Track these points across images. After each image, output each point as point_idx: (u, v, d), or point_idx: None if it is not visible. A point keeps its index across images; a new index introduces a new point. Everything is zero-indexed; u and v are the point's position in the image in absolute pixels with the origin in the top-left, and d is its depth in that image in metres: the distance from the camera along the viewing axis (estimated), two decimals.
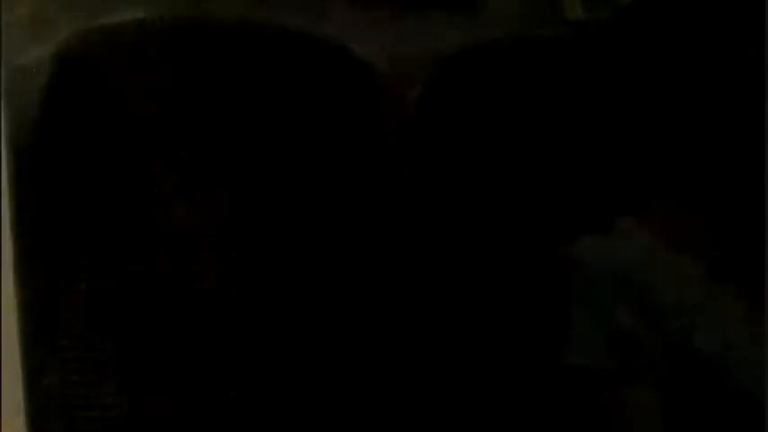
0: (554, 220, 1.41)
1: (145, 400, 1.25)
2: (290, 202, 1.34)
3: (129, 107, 1.29)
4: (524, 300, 1.39)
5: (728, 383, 1.20)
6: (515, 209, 1.42)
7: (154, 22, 1.38)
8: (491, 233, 1.42)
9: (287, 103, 1.35)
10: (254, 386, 1.29)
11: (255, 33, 1.38)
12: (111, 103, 1.29)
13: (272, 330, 1.31)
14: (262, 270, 1.30)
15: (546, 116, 1.44)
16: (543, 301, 1.35)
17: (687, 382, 1.22)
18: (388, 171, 1.38)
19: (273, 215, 1.33)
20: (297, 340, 1.32)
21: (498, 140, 1.43)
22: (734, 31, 1.28)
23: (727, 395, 1.20)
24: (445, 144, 1.42)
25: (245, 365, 1.28)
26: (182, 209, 1.28)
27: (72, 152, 1.28)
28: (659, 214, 1.32)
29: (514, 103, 1.44)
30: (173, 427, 1.25)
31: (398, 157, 1.39)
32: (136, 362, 1.25)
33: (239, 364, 1.28)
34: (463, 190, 1.42)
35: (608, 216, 1.33)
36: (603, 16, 1.51)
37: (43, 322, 1.23)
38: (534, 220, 1.42)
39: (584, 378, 1.27)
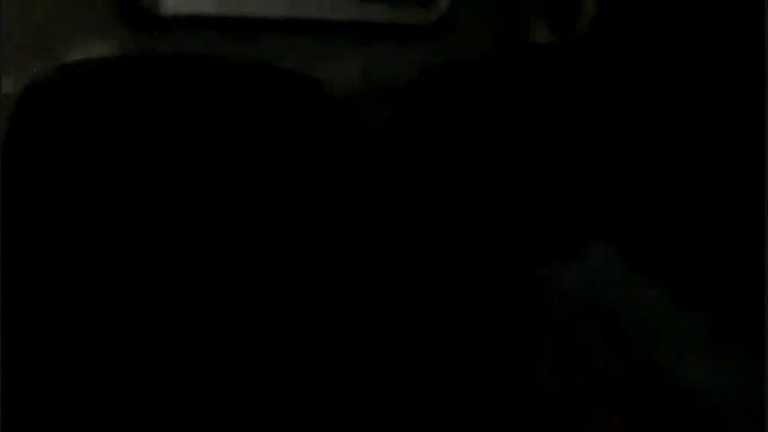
0: (523, 244, 1.41)
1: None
2: (255, 228, 1.35)
3: (95, 142, 1.30)
4: (494, 323, 1.39)
5: (695, 408, 1.21)
6: (484, 232, 1.43)
7: (120, 59, 1.40)
8: (460, 256, 1.42)
9: (253, 133, 1.36)
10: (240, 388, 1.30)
11: (221, 67, 1.40)
12: (76, 139, 1.30)
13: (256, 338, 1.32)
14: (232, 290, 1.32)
15: (512, 138, 1.45)
16: (513, 325, 1.36)
17: (653, 405, 1.22)
18: (354, 195, 1.39)
19: (242, 238, 1.33)
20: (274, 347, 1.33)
21: (465, 163, 1.44)
22: (689, 53, 1.29)
23: (694, 418, 1.21)
24: (411, 168, 1.43)
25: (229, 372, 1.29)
26: (146, 238, 1.28)
27: (39, 184, 1.29)
28: (627, 240, 1.32)
29: (481, 125, 1.44)
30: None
31: (365, 180, 1.40)
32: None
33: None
34: (430, 214, 1.43)
35: (576, 241, 1.33)
36: (568, 39, 1.52)
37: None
38: (503, 244, 1.42)
39: (553, 401, 1.28)
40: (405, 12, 1.51)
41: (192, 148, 1.33)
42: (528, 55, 1.55)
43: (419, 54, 1.51)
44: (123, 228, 1.28)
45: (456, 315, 1.41)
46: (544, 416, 1.26)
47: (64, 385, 1.22)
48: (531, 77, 1.47)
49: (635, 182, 1.32)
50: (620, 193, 1.33)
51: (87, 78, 1.33)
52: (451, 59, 1.49)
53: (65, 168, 1.29)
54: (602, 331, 1.24)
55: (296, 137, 1.38)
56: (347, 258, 1.38)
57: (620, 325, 1.24)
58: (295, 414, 1.30)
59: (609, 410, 1.24)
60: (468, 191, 1.43)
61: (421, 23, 1.52)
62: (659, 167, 1.31)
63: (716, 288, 1.26)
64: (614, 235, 1.31)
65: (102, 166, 1.29)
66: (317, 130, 1.40)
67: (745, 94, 1.26)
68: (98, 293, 1.26)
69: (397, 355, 1.38)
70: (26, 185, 1.28)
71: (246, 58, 1.43)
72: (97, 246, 1.26)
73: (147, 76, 1.35)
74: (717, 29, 1.27)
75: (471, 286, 1.42)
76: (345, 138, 1.41)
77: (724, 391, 1.20)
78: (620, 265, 1.28)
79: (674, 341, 1.23)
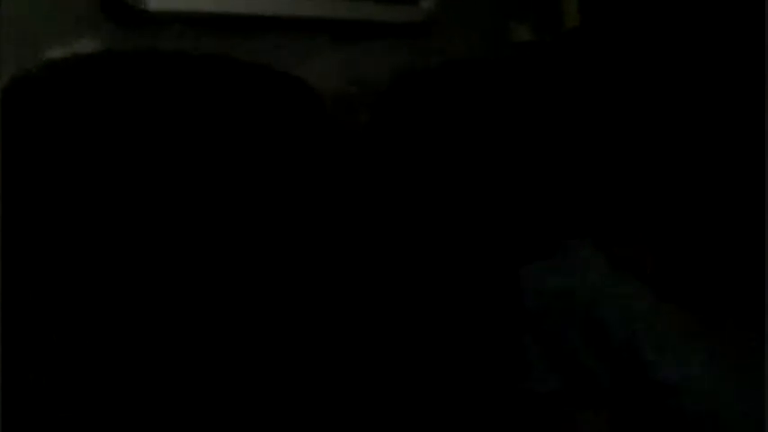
0: (506, 243, 1.41)
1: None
2: (240, 225, 1.34)
3: (80, 139, 1.29)
4: (478, 325, 1.39)
5: (679, 404, 1.21)
6: (467, 232, 1.43)
7: (104, 54, 1.39)
8: (443, 255, 1.42)
9: (237, 131, 1.35)
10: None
11: (204, 64, 1.39)
12: (62, 135, 1.28)
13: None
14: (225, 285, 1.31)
15: (496, 138, 1.45)
16: (497, 326, 1.36)
17: (637, 403, 1.23)
18: (339, 193, 1.39)
19: (228, 235, 1.33)
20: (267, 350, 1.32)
21: (448, 163, 1.44)
22: (675, 52, 1.30)
23: (678, 415, 1.21)
24: (394, 167, 1.43)
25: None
26: (130, 234, 1.27)
27: (26, 182, 1.27)
28: (609, 238, 1.33)
29: (464, 125, 1.45)
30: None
31: (350, 179, 1.40)
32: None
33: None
34: (414, 213, 1.43)
35: (558, 240, 1.33)
36: (550, 38, 1.53)
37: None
38: (490, 247, 1.42)
39: (538, 401, 1.28)
40: (390, 11, 1.51)
41: (176, 144, 1.32)
42: (511, 55, 1.56)
43: (404, 52, 1.51)
44: (106, 223, 1.27)
45: (440, 316, 1.41)
46: (530, 416, 1.27)
47: (64, 385, 1.21)
48: (515, 77, 1.48)
49: (616, 181, 1.33)
50: (601, 192, 1.34)
51: (71, 74, 1.32)
52: (435, 60, 1.49)
53: (48, 165, 1.27)
54: (585, 330, 1.25)
55: (281, 134, 1.38)
56: (330, 257, 1.37)
57: (603, 323, 1.24)
58: (290, 413, 1.30)
59: (594, 409, 1.25)
60: (450, 190, 1.43)
61: (406, 22, 1.52)
62: (640, 166, 1.32)
63: (698, 285, 1.27)
64: (596, 233, 1.32)
65: (87, 163, 1.28)
66: (301, 127, 1.39)
67: (728, 95, 1.27)
68: (83, 288, 1.25)
69: (381, 357, 1.38)
70: (10, 182, 1.26)
71: (230, 55, 1.43)
72: (80, 242, 1.25)
73: (131, 72, 1.34)
74: (703, 27, 1.29)
75: (454, 287, 1.42)
76: (330, 135, 1.41)
77: (707, 387, 1.22)
78: (603, 264, 1.29)
79: (656, 339, 1.24)
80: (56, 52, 1.35)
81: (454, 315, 1.40)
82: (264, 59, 1.42)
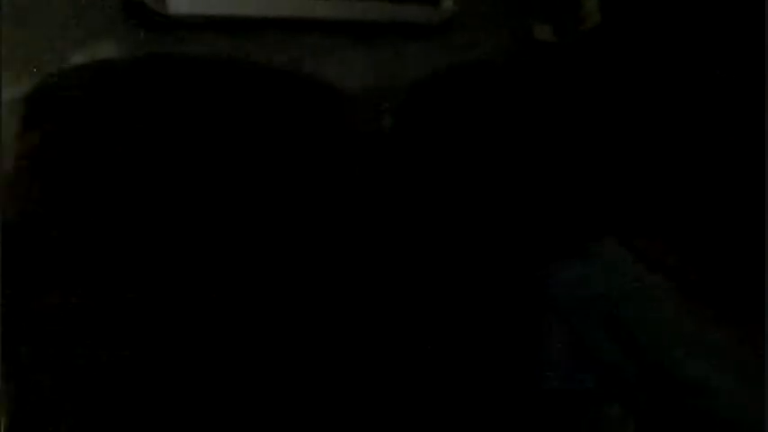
0: (534, 246, 1.41)
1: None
2: (258, 226, 1.34)
3: (102, 143, 1.30)
4: (501, 322, 1.40)
5: (702, 403, 1.21)
6: (491, 231, 1.43)
7: (127, 61, 1.40)
8: (466, 255, 1.42)
9: (258, 133, 1.36)
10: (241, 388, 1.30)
11: (227, 68, 1.40)
12: (83, 139, 1.29)
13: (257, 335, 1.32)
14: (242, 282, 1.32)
15: (519, 138, 1.45)
16: (520, 324, 1.36)
17: (662, 402, 1.23)
18: (358, 193, 1.39)
19: (246, 236, 1.33)
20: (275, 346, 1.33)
21: (473, 165, 1.44)
22: (692, 53, 1.30)
23: (702, 414, 1.21)
24: (418, 167, 1.43)
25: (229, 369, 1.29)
26: (156, 234, 1.28)
27: (47, 185, 1.29)
28: (635, 236, 1.33)
29: (487, 126, 1.45)
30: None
31: (372, 182, 1.41)
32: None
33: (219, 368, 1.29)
34: (437, 214, 1.43)
35: (583, 238, 1.33)
36: (571, 39, 1.53)
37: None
38: (515, 246, 1.42)
39: (562, 399, 1.28)
40: (410, 11, 1.51)
41: (199, 146, 1.33)
42: (532, 55, 1.55)
43: (424, 53, 1.51)
44: (127, 226, 1.28)
45: (468, 315, 1.41)
46: (556, 413, 1.27)
47: (65, 384, 1.22)
48: (536, 78, 1.48)
49: (641, 179, 1.33)
50: (626, 191, 1.33)
51: (95, 80, 1.33)
52: (457, 61, 1.49)
53: (74, 168, 1.28)
54: (611, 327, 1.25)
55: (302, 136, 1.38)
56: (350, 258, 1.38)
57: (629, 321, 1.24)
58: (295, 414, 1.30)
59: (619, 407, 1.25)
60: (478, 191, 1.44)
61: (426, 23, 1.52)
62: (664, 164, 1.31)
63: (722, 281, 1.27)
64: (622, 231, 1.32)
65: (111, 165, 1.29)
66: (322, 129, 1.40)
67: (745, 95, 1.26)
68: (102, 291, 1.26)
69: (402, 355, 1.38)
70: (37, 185, 1.28)
71: (252, 58, 1.43)
72: (104, 243, 1.26)
73: (153, 76, 1.35)
74: (718, 30, 1.28)
75: (482, 286, 1.42)
76: (351, 136, 1.41)
77: (732, 386, 1.21)
78: (628, 261, 1.29)
79: (682, 337, 1.24)
80: (78, 58, 1.36)
81: (482, 314, 1.40)
82: (284, 61, 1.42)
